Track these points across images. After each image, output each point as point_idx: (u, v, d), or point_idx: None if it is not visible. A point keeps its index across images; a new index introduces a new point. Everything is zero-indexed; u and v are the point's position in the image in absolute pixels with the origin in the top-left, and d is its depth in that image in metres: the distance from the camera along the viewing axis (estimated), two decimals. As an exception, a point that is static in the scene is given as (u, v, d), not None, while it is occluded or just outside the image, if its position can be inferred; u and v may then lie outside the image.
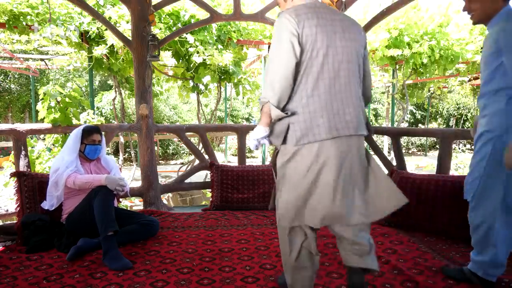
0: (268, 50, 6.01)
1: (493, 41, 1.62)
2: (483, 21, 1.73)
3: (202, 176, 5.70)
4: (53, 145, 4.01)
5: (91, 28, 4.70)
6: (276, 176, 1.60)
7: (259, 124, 1.55)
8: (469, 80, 10.74)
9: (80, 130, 2.57)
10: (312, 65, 1.45)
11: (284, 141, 1.50)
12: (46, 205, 2.52)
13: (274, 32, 1.50)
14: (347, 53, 1.49)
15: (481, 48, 2.74)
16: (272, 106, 1.45)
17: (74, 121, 3.29)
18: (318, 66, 1.45)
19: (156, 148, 9.87)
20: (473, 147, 1.80)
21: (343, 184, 1.48)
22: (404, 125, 13.57)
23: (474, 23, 1.79)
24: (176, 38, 4.65)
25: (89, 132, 2.58)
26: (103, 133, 3.51)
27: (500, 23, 1.62)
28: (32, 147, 3.66)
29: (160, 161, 12.18)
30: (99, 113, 11.90)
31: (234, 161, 10.09)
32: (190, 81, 5.37)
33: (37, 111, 3.42)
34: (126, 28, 4.38)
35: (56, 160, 2.54)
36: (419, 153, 14.78)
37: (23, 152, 2.95)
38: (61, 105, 3.19)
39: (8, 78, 12.88)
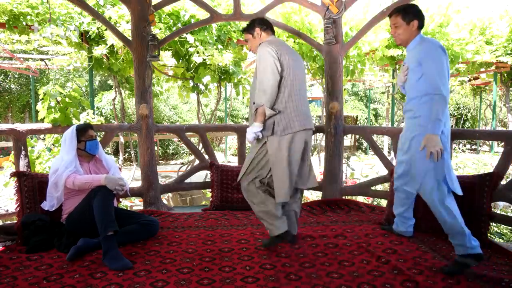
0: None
1: (415, 58, 2.16)
2: (404, 44, 2.29)
3: (202, 176, 5.70)
4: (53, 145, 4.01)
5: (91, 28, 4.70)
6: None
7: (255, 122, 2.15)
8: (469, 80, 10.74)
9: (74, 130, 2.57)
10: (287, 80, 2.17)
11: (272, 133, 2.17)
12: (46, 205, 2.52)
13: (259, 57, 2.16)
14: (301, 74, 2.29)
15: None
16: (266, 107, 2.11)
17: (74, 121, 3.29)
18: (290, 81, 2.18)
19: (156, 148, 9.88)
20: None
21: (305, 160, 2.29)
22: (404, 125, 13.54)
23: (397, 44, 2.46)
24: (176, 38, 4.65)
25: (84, 129, 2.60)
26: (103, 133, 3.53)
27: (417, 46, 2.20)
28: (32, 147, 3.67)
29: (160, 161, 12.18)
30: (99, 113, 11.90)
31: (234, 161, 10.09)
32: (190, 81, 5.37)
33: (37, 111, 3.42)
34: (126, 28, 4.38)
35: (55, 161, 2.54)
36: (419, 153, 14.77)
37: (23, 152, 2.95)
38: (61, 105, 3.19)
39: (8, 78, 12.88)
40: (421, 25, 2.22)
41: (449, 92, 2.14)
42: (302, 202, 3.74)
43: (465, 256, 1.96)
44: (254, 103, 2.17)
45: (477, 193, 2.45)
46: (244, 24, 5.29)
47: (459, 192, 2.08)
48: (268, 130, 2.16)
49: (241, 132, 3.76)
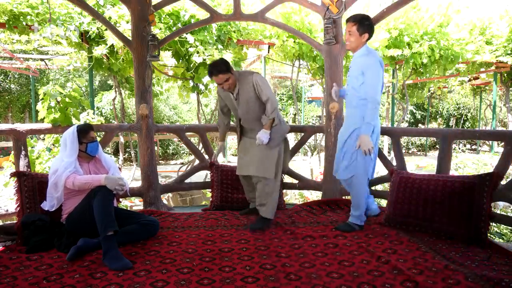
0: (268, 51, 6.01)
1: (359, 67, 2.54)
2: (352, 50, 2.65)
3: (202, 176, 5.70)
4: (53, 145, 4.01)
5: (91, 28, 4.70)
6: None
7: (266, 129, 2.77)
8: (469, 80, 10.74)
9: (75, 131, 2.55)
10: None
11: (281, 137, 2.87)
12: (46, 205, 2.52)
13: (261, 81, 2.75)
14: None
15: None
16: (277, 119, 2.81)
17: (74, 121, 3.29)
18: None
19: (156, 148, 9.88)
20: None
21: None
22: (404, 125, 13.56)
23: (348, 50, 2.81)
24: (176, 38, 4.65)
25: (86, 131, 2.59)
26: (103, 133, 3.53)
27: (363, 56, 2.56)
28: (32, 147, 3.67)
29: (160, 161, 12.18)
30: (99, 113, 11.90)
31: (234, 161, 10.09)
32: (190, 81, 5.37)
33: (37, 111, 3.42)
34: (126, 28, 4.38)
35: (54, 161, 2.54)
36: (419, 153, 14.78)
37: (23, 152, 2.95)
38: (61, 105, 3.19)
39: (8, 78, 12.88)
40: (369, 38, 2.62)
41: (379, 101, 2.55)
42: (302, 202, 3.74)
43: (356, 225, 2.71)
44: (266, 115, 2.77)
45: (477, 193, 2.45)
46: (245, 25, 5.28)
47: (371, 176, 2.81)
48: (282, 135, 2.87)
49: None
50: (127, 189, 2.51)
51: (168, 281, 1.90)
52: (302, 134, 3.89)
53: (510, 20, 7.37)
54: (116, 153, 11.71)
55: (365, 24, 2.55)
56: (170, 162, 12.53)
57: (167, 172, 9.11)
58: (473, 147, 15.06)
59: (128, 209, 3.80)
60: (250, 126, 2.93)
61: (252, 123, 2.89)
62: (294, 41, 5.67)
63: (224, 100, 2.99)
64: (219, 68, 2.68)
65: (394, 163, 3.35)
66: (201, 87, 5.50)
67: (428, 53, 6.08)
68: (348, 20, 2.60)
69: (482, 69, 8.16)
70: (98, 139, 2.77)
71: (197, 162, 3.84)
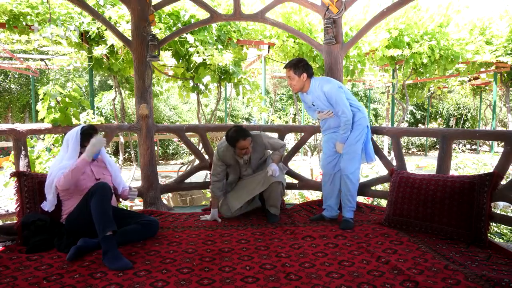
0: (268, 51, 6.01)
1: (322, 98, 2.87)
2: (302, 90, 2.94)
3: (202, 176, 5.69)
4: (53, 145, 4.00)
5: (91, 28, 4.69)
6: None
7: (277, 162, 3.05)
8: (469, 80, 10.73)
9: (79, 134, 2.54)
10: None
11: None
12: (46, 206, 2.52)
13: (271, 139, 3.08)
14: None
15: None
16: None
17: (74, 121, 3.29)
18: None
19: (156, 148, 9.87)
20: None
21: None
22: (404, 125, 13.57)
23: (295, 92, 3.04)
24: (176, 38, 4.65)
25: (89, 135, 2.56)
26: (103, 133, 3.52)
27: (317, 89, 2.87)
28: (32, 147, 3.66)
29: (160, 161, 12.18)
30: (99, 113, 11.90)
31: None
32: (190, 81, 5.37)
33: (37, 111, 3.42)
34: (126, 28, 4.38)
35: (54, 162, 2.53)
36: (419, 153, 14.78)
37: (23, 152, 2.95)
38: (61, 105, 3.19)
39: (8, 78, 12.88)
40: (310, 74, 2.88)
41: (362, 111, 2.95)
42: (302, 202, 3.74)
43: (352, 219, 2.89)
44: (278, 152, 3.11)
45: (477, 193, 2.45)
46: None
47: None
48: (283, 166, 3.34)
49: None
50: (136, 191, 2.60)
51: (168, 281, 1.90)
52: (302, 134, 3.89)
53: (510, 20, 7.37)
54: (116, 153, 11.71)
55: (299, 66, 2.83)
56: (170, 162, 12.54)
57: (167, 172, 9.12)
58: (473, 147, 15.06)
59: (128, 209, 3.80)
60: (250, 176, 3.11)
61: (255, 172, 3.12)
62: (294, 41, 5.67)
63: (227, 164, 3.02)
64: (246, 132, 2.84)
65: (394, 163, 3.35)
66: (201, 87, 5.50)
67: (428, 53, 6.08)
68: (284, 67, 2.91)
69: (482, 69, 8.15)
70: None
71: (197, 162, 3.84)
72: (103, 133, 3.51)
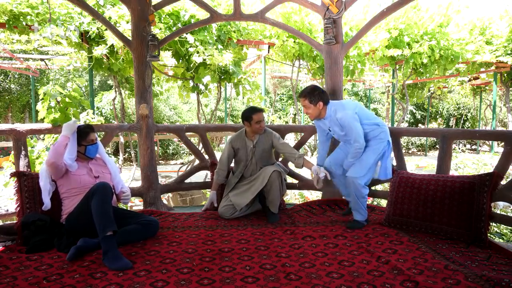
0: (268, 51, 6.02)
1: (337, 124, 2.82)
2: (317, 118, 2.91)
3: (202, 176, 5.70)
4: (53, 145, 4.00)
5: (91, 28, 4.70)
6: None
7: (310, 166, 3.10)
8: (469, 80, 10.74)
9: (75, 133, 2.56)
10: None
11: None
12: (44, 202, 2.53)
13: (282, 141, 3.22)
14: None
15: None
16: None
17: (74, 121, 3.29)
18: None
19: (156, 148, 9.87)
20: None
21: None
22: (404, 125, 13.56)
23: (312, 120, 2.98)
24: (176, 38, 4.65)
25: (86, 133, 2.58)
26: (103, 133, 3.52)
27: (332, 114, 2.83)
28: (32, 147, 3.66)
29: (160, 161, 12.18)
30: (99, 113, 11.90)
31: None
32: (190, 81, 5.37)
33: (37, 111, 3.42)
34: (126, 28, 4.38)
35: None
36: (419, 153, 14.78)
37: (23, 152, 2.95)
38: (61, 105, 3.19)
39: (8, 78, 12.88)
40: (326, 101, 2.83)
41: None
42: (302, 202, 3.74)
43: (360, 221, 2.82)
44: (298, 157, 3.16)
45: (477, 193, 2.45)
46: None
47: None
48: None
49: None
50: (129, 195, 2.60)
51: (168, 281, 1.90)
52: (302, 134, 3.89)
53: (510, 20, 7.37)
54: (116, 153, 11.71)
55: (315, 95, 2.79)
56: (170, 162, 12.54)
57: (167, 172, 9.12)
58: (473, 147, 15.06)
59: (128, 209, 3.80)
60: (253, 172, 3.19)
61: (256, 168, 3.19)
62: (294, 41, 5.68)
63: (237, 151, 3.19)
64: (261, 108, 3.14)
65: (394, 163, 3.35)
66: (201, 87, 5.50)
67: (428, 53, 6.08)
68: (299, 96, 2.89)
69: (482, 69, 8.16)
70: (99, 139, 2.76)
71: (197, 162, 3.84)
72: (103, 133, 3.51)
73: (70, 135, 2.52)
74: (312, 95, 2.79)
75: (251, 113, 3.05)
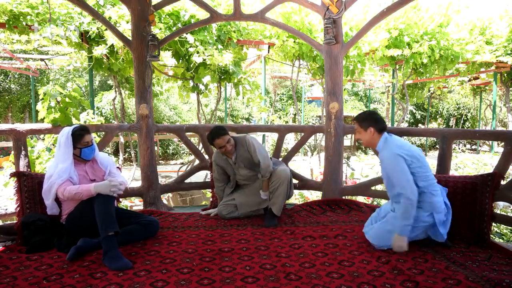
0: (268, 51, 6.01)
1: (383, 163, 2.40)
2: (369, 145, 2.53)
3: (202, 176, 5.69)
4: (53, 145, 4.00)
5: (91, 28, 4.69)
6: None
7: (265, 190, 3.03)
8: (469, 80, 10.73)
9: (69, 136, 2.47)
10: None
11: None
12: (49, 210, 2.51)
13: (253, 143, 3.00)
14: None
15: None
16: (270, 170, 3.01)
17: (74, 121, 3.29)
18: None
19: (156, 148, 9.87)
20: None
21: None
22: (404, 125, 13.57)
23: (365, 146, 2.59)
24: (176, 38, 4.65)
25: (80, 136, 2.49)
26: (103, 133, 3.52)
27: (381, 150, 2.41)
28: (32, 147, 3.66)
29: (160, 161, 12.18)
30: (99, 113, 11.90)
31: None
32: (190, 81, 5.37)
33: (37, 111, 3.42)
34: (126, 28, 4.38)
35: (49, 165, 2.49)
36: (419, 153, 14.74)
37: (23, 152, 2.94)
38: (61, 105, 3.19)
39: (8, 78, 12.88)
40: (379, 129, 2.44)
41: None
42: (302, 202, 3.74)
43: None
44: (260, 177, 3.00)
45: (479, 193, 2.45)
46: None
47: None
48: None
49: (241, 132, 3.76)
50: (126, 185, 2.48)
51: (168, 281, 1.90)
52: (302, 134, 3.89)
53: (510, 20, 7.37)
54: (116, 153, 11.71)
55: (366, 120, 2.50)
56: (170, 162, 12.54)
57: (167, 172, 9.11)
58: (473, 147, 15.06)
59: (128, 209, 3.80)
60: (247, 182, 3.14)
61: (250, 178, 3.11)
62: (294, 41, 5.67)
63: (223, 168, 3.13)
64: (223, 131, 2.94)
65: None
66: (201, 87, 5.49)
67: (428, 53, 6.08)
68: (352, 120, 2.60)
69: (482, 69, 8.15)
70: (98, 139, 2.75)
71: (197, 162, 3.84)
72: (103, 133, 3.51)
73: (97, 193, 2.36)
74: (362, 120, 2.51)
75: (212, 140, 2.96)
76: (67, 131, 2.49)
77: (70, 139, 2.46)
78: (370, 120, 2.48)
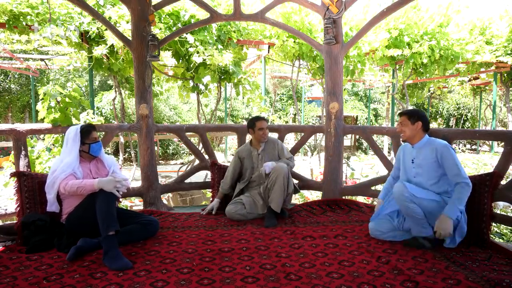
0: (268, 51, 6.01)
1: (428, 158, 2.45)
2: (408, 140, 2.59)
3: (202, 176, 5.69)
4: (53, 145, 4.00)
5: (91, 28, 4.70)
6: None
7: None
8: (469, 80, 10.73)
9: (78, 132, 2.54)
10: None
11: None
12: (49, 207, 2.51)
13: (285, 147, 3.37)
14: None
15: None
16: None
17: (74, 121, 3.29)
18: None
19: (156, 148, 9.87)
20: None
21: None
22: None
23: (403, 141, 2.66)
24: (176, 38, 4.65)
25: (88, 132, 2.58)
26: (103, 133, 3.52)
27: (427, 146, 2.50)
28: (32, 147, 3.66)
29: (160, 161, 12.19)
30: (99, 113, 11.90)
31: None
32: (190, 81, 5.37)
33: (37, 111, 3.42)
34: (126, 28, 4.38)
35: (55, 161, 2.52)
36: (419, 153, 14.74)
37: (23, 152, 2.95)
38: (61, 105, 3.19)
39: (8, 78, 12.88)
40: (425, 127, 2.53)
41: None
42: (302, 202, 3.74)
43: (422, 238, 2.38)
44: (287, 162, 3.28)
45: (478, 193, 2.45)
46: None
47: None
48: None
49: (241, 132, 3.76)
50: (128, 185, 2.48)
51: (168, 281, 1.90)
52: (302, 134, 3.89)
53: (510, 20, 7.37)
54: (116, 153, 11.71)
55: (416, 114, 2.55)
56: (170, 162, 12.54)
57: (167, 172, 9.12)
58: (473, 147, 15.06)
59: (128, 209, 3.80)
60: (258, 182, 3.24)
61: (262, 178, 3.18)
62: (294, 41, 5.68)
63: (242, 161, 3.29)
64: (265, 118, 3.29)
65: (394, 162, 3.35)
66: (201, 87, 5.50)
67: (428, 53, 6.08)
68: (400, 114, 2.65)
69: (482, 69, 8.16)
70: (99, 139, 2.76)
71: (197, 162, 3.84)
72: (103, 133, 3.51)
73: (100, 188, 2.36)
74: (412, 114, 2.56)
75: (255, 121, 3.21)
76: (75, 127, 2.57)
77: (78, 135, 2.53)
78: (420, 116, 2.57)
